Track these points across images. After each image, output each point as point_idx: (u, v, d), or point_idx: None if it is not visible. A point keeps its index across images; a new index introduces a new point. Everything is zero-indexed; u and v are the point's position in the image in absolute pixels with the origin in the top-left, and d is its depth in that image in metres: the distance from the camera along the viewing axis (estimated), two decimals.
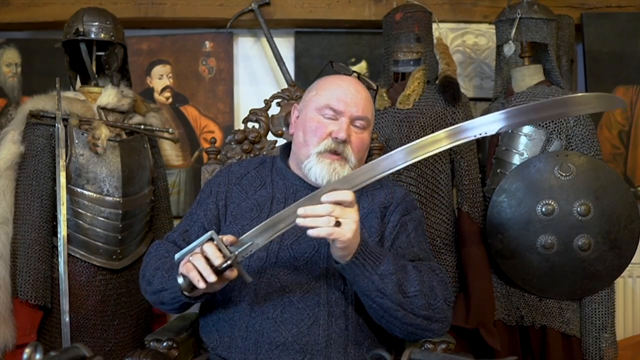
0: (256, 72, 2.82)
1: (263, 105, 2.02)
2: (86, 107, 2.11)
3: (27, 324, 1.94)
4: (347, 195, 1.20)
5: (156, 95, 2.77)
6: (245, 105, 2.74)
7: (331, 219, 1.19)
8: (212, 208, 1.52)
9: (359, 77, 1.53)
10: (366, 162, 1.91)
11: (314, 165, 1.44)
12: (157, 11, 2.66)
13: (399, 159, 1.23)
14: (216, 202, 1.53)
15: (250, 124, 2.01)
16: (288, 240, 1.43)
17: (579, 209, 1.98)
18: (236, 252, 1.23)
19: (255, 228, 1.24)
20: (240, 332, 1.35)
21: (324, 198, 1.20)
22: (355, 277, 1.28)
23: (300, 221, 1.20)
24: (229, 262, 1.21)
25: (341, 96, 1.45)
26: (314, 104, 1.49)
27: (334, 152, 1.43)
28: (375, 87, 1.55)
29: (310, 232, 1.21)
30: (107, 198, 2.06)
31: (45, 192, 2.01)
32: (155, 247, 1.51)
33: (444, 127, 2.07)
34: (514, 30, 2.14)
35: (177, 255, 1.28)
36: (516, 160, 2.10)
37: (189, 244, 1.31)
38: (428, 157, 2.06)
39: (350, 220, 1.21)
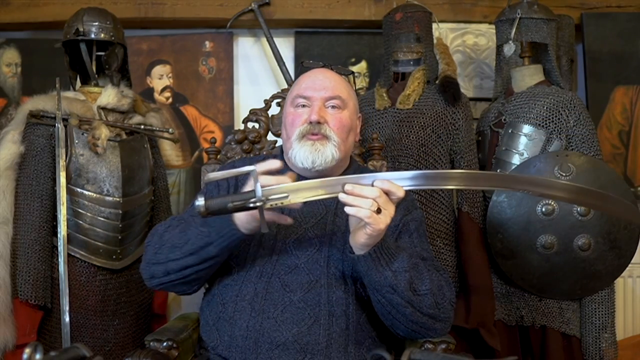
0: (256, 72, 2.82)
1: (263, 105, 2.02)
2: (86, 107, 2.11)
3: (27, 324, 1.94)
4: (400, 191, 1.21)
5: (156, 95, 2.77)
6: (245, 105, 2.74)
7: (374, 204, 1.19)
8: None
9: (331, 67, 1.57)
10: (365, 159, 1.92)
11: (297, 151, 1.45)
12: (157, 11, 2.66)
13: (461, 181, 1.24)
14: None
15: (250, 124, 2.01)
16: (289, 238, 1.43)
17: (579, 209, 1.98)
18: (268, 197, 1.19)
19: (297, 182, 1.22)
20: (240, 332, 1.35)
21: (377, 183, 1.20)
22: (368, 270, 1.28)
23: (343, 197, 1.20)
24: (257, 204, 1.18)
25: (309, 84, 1.50)
26: (288, 101, 1.55)
27: (312, 134, 1.45)
28: (349, 73, 1.59)
29: (348, 210, 1.20)
30: (107, 198, 2.06)
31: (45, 192, 2.01)
32: (163, 224, 1.47)
33: (444, 127, 2.13)
34: (514, 30, 2.14)
35: (211, 174, 1.23)
36: (516, 160, 2.10)
37: None
38: (428, 158, 2.11)
39: (389, 213, 1.21)
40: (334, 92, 1.48)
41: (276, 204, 1.20)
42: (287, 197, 1.20)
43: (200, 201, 1.18)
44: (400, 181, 1.22)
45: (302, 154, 1.44)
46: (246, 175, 1.46)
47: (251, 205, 1.18)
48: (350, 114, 1.51)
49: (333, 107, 1.48)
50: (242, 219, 1.28)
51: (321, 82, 1.49)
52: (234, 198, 1.19)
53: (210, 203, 1.18)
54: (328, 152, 1.44)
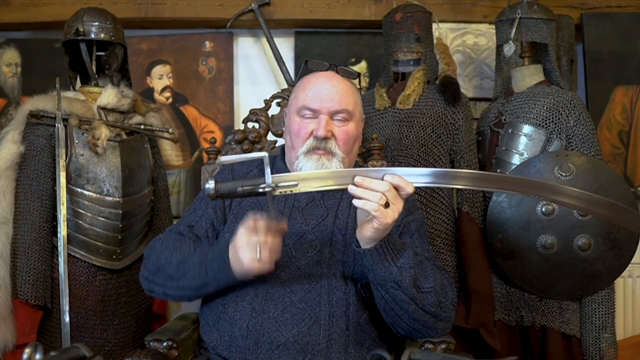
0: (256, 72, 2.82)
1: (263, 105, 2.02)
2: (86, 107, 2.11)
3: (27, 324, 1.94)
4: (409, 187, 1.22)
5: (156, 95, 2.77)
6: (245, 105, 2.74)
7: (383, 198, 1.19)
8: (220, 204, 1.51)
9: (337, 69, 1.55)
10: (365, 159, 1.92)
11: (303, 165, 1.45)
12: (157, 11, 2.66)
13: (471, 181, 1.24)
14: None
15: (250, 124, 2.01)
16: (290, 239, 1.43)
17: None
18: (277, 184, 1.19)
19: (308, 172, 1.24)
20: (240, 332, 1.35)
21: (387, 177, 1.21)
22: (373, 265, 1.28)
23: (352, 188, 1.21)
24: (266, 190, 1.18)
25: (316, 94, 1.47)
26: (293, 107, 1.52)
27: (318, 149, 1.45)
28: (355, 75, 1.57)
29: (356, 202, 1.21)
30: (107, 198, 2.06)
31: (45, 192, 2.01)
32: (161, 240, 1.48)
33: (444, 127, 2.13)
34: (514, 30, 2.14)
35: (222, 158, 1.24)
36: (516, 160, 2.10)
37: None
38: (428, 158, 2.11)
39: (397, 208, 1.22)
40: (341, 105, 1.46)
41: (285, 192, 1.21)
42: (296, 185, 1.21)
43: (210, 184, 1.19)
44: (412, 177, 1.23)
45: (307, 168, 1.44)
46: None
47: (260, 190, 1.18)
48: (356, 124, 1.51)
49: (339, 119, 1.47)
50: (239, 269, 1.29)
51: (328, 92, 1.47)
52: (244, 183, 1.20)
53: (220, 187, 1.19)
54: (333, 168, 1.44)
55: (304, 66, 1.58)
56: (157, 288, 1.44)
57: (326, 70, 1.53)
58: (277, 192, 1.20)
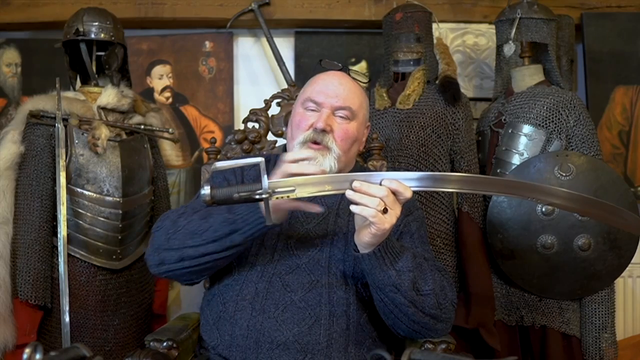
0: (256, 72, 2.82)
1: (263, 105, 2.02)
2: (86, 107, 2.11)
3: (27, 324, 1.94)
4: (407, 191, 1.21)
5: (156, 95, 2.77)
6: (245, 105, 2.74)
7: (381, 203, 1.18)
8: None
9: (349, 72, 1.56)
10: (365, 159, 1.92)
11: None
12: (157, 11, 2.66)
13: (461, 184, 1.23)
14: None
15: (250, 124, 2.01)
16: (291, 239, 1.43)
17: None
18: (274, 190, 1.18)
19: (305, 177, 1.21)
20: (241, 331, 1.35)
21: (386, 182, 1.20)
22: (372, 269, 1.28)
23: (350, 194, 1.19)
24: (263, 195, 1.17)
25: (322, 89, 1.49)
26: (300, 100, 1.54)
27: (315, 142, 1.45)
28: (365, 81, 1.58)
29: (353, 208, 1.20)
30: (107, 198, 2.06)
31: (45, 192, 2.01)
32: (174, 210, 1.44)
33: (444, 127, 2.13)
34: (514, 30, 2.14)
35: (218, 164, 1.22)
36: (516, 160, 2.10)
37: None
38: (428, 158, 2.11)
39: (395, 213, 1.21)
40: (345, 102, 1.47)
41: (282, 197, 1.20)
42: (293, 190, 1.20)
43: (206, 190, 1.18)
44: (406, 181, 1.22)
45: None
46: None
47: (257, 196, 1.18)
48: (358, 125, 1.51)
49: (341, 116, 1.48)
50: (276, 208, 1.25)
51: (335, 89, 1.48)
52: (240, 189, 1.19)
53: (216, 192, 1.18)
54: (326, 164, 1.43)
55: (318, 65, 1.59)
56: (171, 254, 1.35)
57: (338, 71, 1.55)
58: (274, 198, 1.19)
